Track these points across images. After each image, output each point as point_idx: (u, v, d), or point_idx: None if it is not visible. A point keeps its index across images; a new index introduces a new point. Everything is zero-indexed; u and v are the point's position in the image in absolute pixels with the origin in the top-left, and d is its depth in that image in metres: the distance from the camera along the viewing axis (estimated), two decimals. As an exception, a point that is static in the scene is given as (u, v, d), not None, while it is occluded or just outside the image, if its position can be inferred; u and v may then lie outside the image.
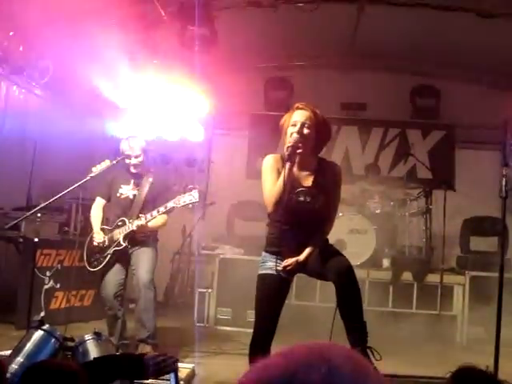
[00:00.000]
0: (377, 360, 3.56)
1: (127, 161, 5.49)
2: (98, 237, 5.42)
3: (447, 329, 7.35)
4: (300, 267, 3.86)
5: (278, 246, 3.89)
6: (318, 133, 3.83)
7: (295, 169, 3.85)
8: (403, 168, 9.21)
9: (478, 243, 8.19)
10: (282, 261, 3.84)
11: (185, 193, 5.12)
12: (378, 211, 8.06)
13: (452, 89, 9.13)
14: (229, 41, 7.14)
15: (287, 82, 9.49)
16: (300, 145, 3.73)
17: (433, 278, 7.49)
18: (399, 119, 9.54)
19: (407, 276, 7.52)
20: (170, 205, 5.16)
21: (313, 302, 7.24)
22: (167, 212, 5.29)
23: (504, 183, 4.75)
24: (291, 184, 3.78)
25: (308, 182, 3.89)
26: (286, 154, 3.71)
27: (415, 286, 7.47)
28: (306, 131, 3.77)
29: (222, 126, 9.54)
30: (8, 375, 3.50)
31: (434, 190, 8.08)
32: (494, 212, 7.58)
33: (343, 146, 9.53)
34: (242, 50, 8.47)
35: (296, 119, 3.80)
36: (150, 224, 5.32)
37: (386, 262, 7.75)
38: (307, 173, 3.91)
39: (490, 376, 2.52)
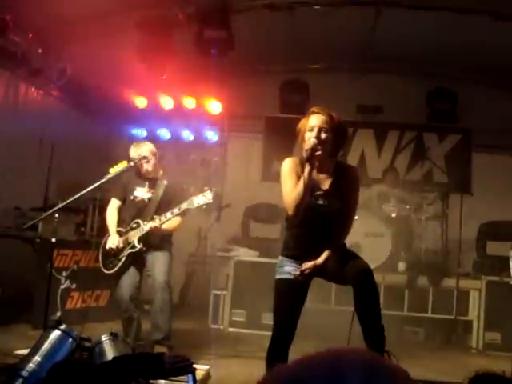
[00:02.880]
0: (393, 364, 3.54)
1: (139, 165, 5.49)
2: (113, 240, 5.43)
3: (463, 334, 7.30)
4: (318, 271, 3.86)
5: (296, 249, 3.90)
6: (335, 136, 3.82)
7: (314, 172, 3.84)
8: (419, 172, 9.16)
9: (495, 248, 8.10)
10: (300, 264, 3.84)
11: (198, 194, 5.13)
12: (394, 215, 8.03)
13: (469, 92, 9.06)
14: (245, 43, 7.15)
15: (303, 84, 9.47)
16: (319, 147, 3.72)
17: (449, 283, 7.44)
18: (415, 122, 9.49)
19: (423, 280, 7.48)
20: (183, 206, 5.15)
21: (328, 306, 7.22)
22: (181, 214, 5.29)
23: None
24: (310, 187, 3.78)
25: (326, 185, 3.89)
26: (306, 157, 3.69)
27: (431, 290, 7.42)
28: (323, 136, 3.76)
29: (238, 129, 9.54)
30: (25, 374, 3.53)
31: (451, 194, 8.04)
32: (511, 216, 7.53)
33: (359, 149, 9.50)
34: (259, 52, 8.48)
35: (313, 124, 3.80)
36: (164, 226, 5.33)
37: (401, 266, 7.71)
38: (325, 176, 3.91)
39: (509, 382, 2.50)
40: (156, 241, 5.44)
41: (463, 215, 7.51)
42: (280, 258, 3.99)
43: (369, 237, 7.55)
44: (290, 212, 3.77)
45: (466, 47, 7.90)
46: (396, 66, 9.21)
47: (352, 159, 9.05)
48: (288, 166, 3.89)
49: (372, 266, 7.39)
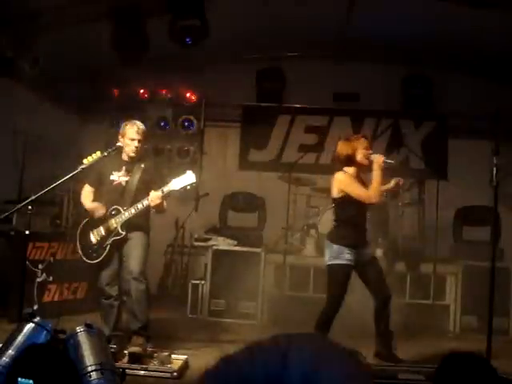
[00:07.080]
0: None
1: (131, 143, 5.38)
2: (100, 211, 5.32)
3: (440, 318, 7.37)
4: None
5: (351, 238, 5.03)
6: None
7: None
8: (396, 158, 9.18)
9: (471, 232, 8.19)
10: (354, 252, 4.97)
11: (179, 176, 5.06)
12: (370, 201, 8.04)
13: (444, 79, 9.09)
14: (221, 32, 7.10)
15: (279, 73, 9.43)
16: None
17: (426, 268, 7.50)
18: (392, 109, 9.51)
19: (400, 266, 7.53)
20: (166, 189, 5.08)
21: (306, 293, 7.23)
22: (165, 197, 5.21)
23: (495, 172, 4.77)
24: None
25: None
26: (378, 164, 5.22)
27: (408, 275, 7.48)
28: None
29: (215, 118, 9.49)
30: (-1, 368, 3.49)
31: (427, 180, 8.08)
32: (487, 201, 7.58)
33: (336, 137, 9.48)
34: (234, 40, 8.43)
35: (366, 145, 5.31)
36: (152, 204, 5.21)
37: (379, 252, 7.73)
38: None
39: (483, 360, 2.52)
40: (134, 226, 5.36)
41: (439, 201, 7.56)
42: (336, 246, 4.98)
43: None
44: (376, 200, 5.15)
45: (440, 34, 7.92)
46: (371, 54, 9.19)
47: (329, 147, 9.04)
48: (348, 175, 5.12)
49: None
